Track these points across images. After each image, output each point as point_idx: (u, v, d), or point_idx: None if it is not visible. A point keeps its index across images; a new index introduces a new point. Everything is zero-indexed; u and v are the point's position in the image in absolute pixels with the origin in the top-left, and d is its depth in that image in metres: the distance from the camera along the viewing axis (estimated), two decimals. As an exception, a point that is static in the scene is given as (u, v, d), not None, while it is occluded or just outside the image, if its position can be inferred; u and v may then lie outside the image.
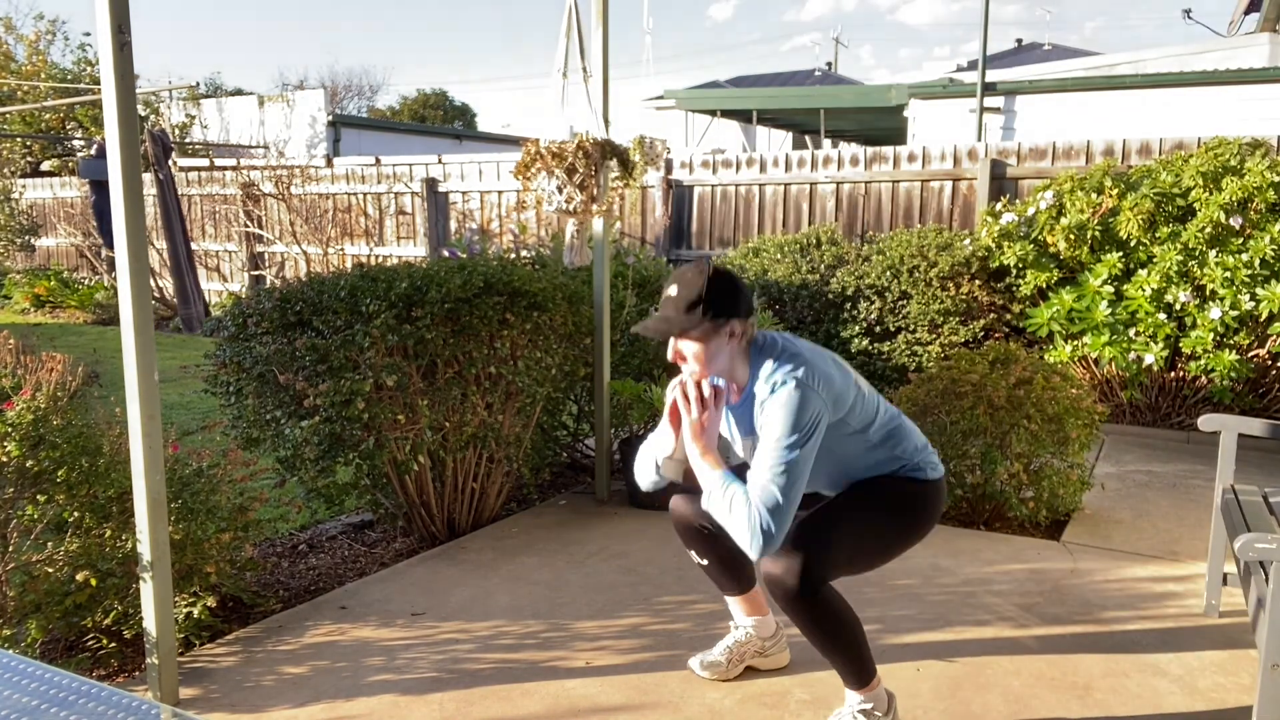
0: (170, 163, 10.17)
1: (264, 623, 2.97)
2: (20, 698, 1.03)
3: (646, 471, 2.39)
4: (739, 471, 2.18)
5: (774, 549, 2.05)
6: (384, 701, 2.48)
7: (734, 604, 2.64)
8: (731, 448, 2.39)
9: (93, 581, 2.58)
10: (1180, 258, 5.28)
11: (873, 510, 2.28)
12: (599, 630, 2.91)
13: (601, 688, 2.56)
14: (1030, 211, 5.92)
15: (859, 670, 2.25)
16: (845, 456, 2.27)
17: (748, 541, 2.03)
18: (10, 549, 2.63)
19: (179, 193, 10.87)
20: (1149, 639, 2.86)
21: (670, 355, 2.21)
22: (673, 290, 2.18)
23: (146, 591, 2.38)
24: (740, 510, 2.05)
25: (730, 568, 2.52)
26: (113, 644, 2.72)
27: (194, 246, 11.92)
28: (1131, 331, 5.48)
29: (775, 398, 2.09)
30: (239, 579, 3.06)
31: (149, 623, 2.40)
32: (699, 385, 2.19)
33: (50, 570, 2.62)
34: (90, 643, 2.76)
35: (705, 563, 2.52)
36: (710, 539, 2.47)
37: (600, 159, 3.68)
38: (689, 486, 2.28)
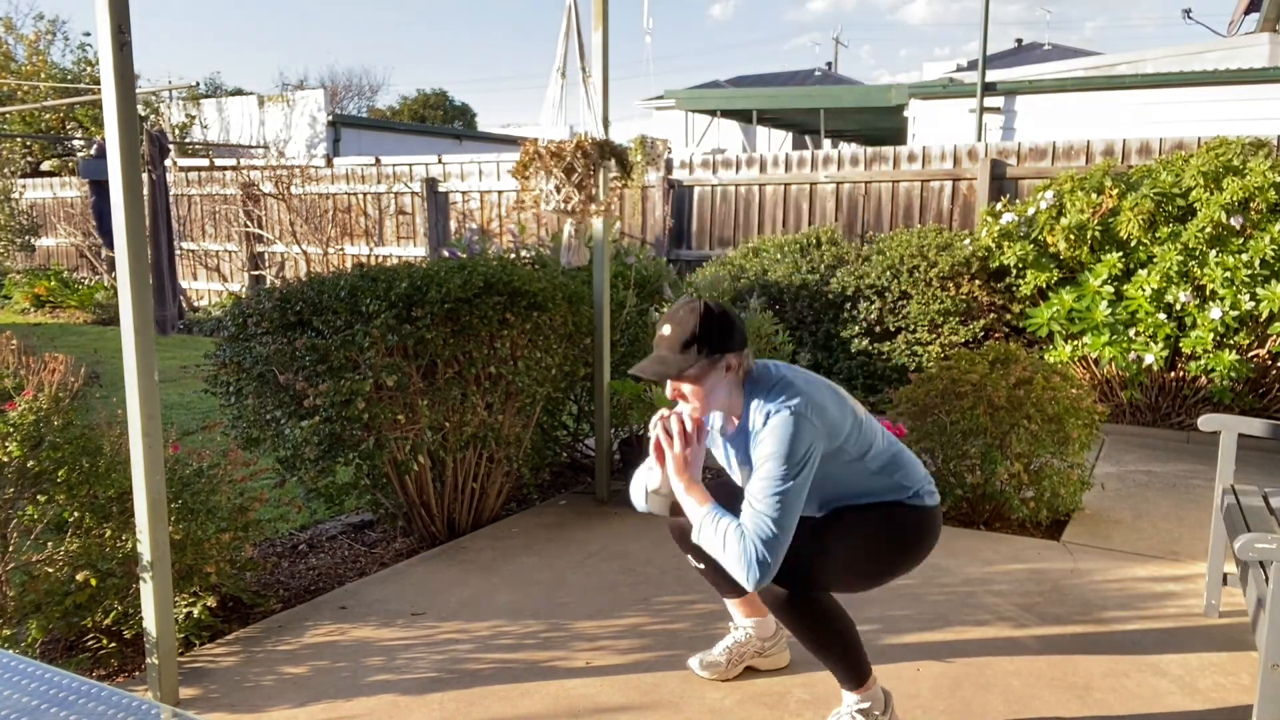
0: (169, 163, 10.16)
1: (264, 623, 2.97)
2: (20, 698, 1.03)
3: (639, 498, 2.40)
4: (735, 499, 2.16)
5: (769, 579, 2.03)
6: (384, 701, 2.48)
7: (733, 606, 2.64)
8: (729, 474, 2.39)
9: (93, 581, 2.58)
10: (1180, 258, 5.28)
11: (866, 532, 2.27)
12: (599, 630, 2.91)
13: (601, 688, 2.56)
14: (1030, 211, 5.92)
15: (854, 671, 2.26)
16: (842, 482, 2.26)
17: (743, 574, 2.02)
18: (10, 549, 2.63)
19: (172, 194, 10.85)
20: (1149, 639, 2.86)
21: (669, 393, 2.21)
22: (666, 330, 2.17)
23: (146, 591, 2.38)
24: (734, 544, 2.03)
25: (727, 572, 2.52)
26: (113, 644, 2.72)
27: (194, 247, 11.94)
28: (1131, 331, 5.48)
29: (769, 428, 2.09)
30: (239, 579, 3.06)
31: (149, 623, 2.40)
32: (680, 419, 2.18)
33: (50, 570, 2.62)
34: (90, 643, 2.76)
35: (702, 566, 2.52)
36: None
37: (599, 159, 3.68)
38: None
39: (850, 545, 2.26)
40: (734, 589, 2.59)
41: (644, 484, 2.34)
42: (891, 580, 2.39)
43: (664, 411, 2.22)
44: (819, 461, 2.12)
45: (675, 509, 2.27)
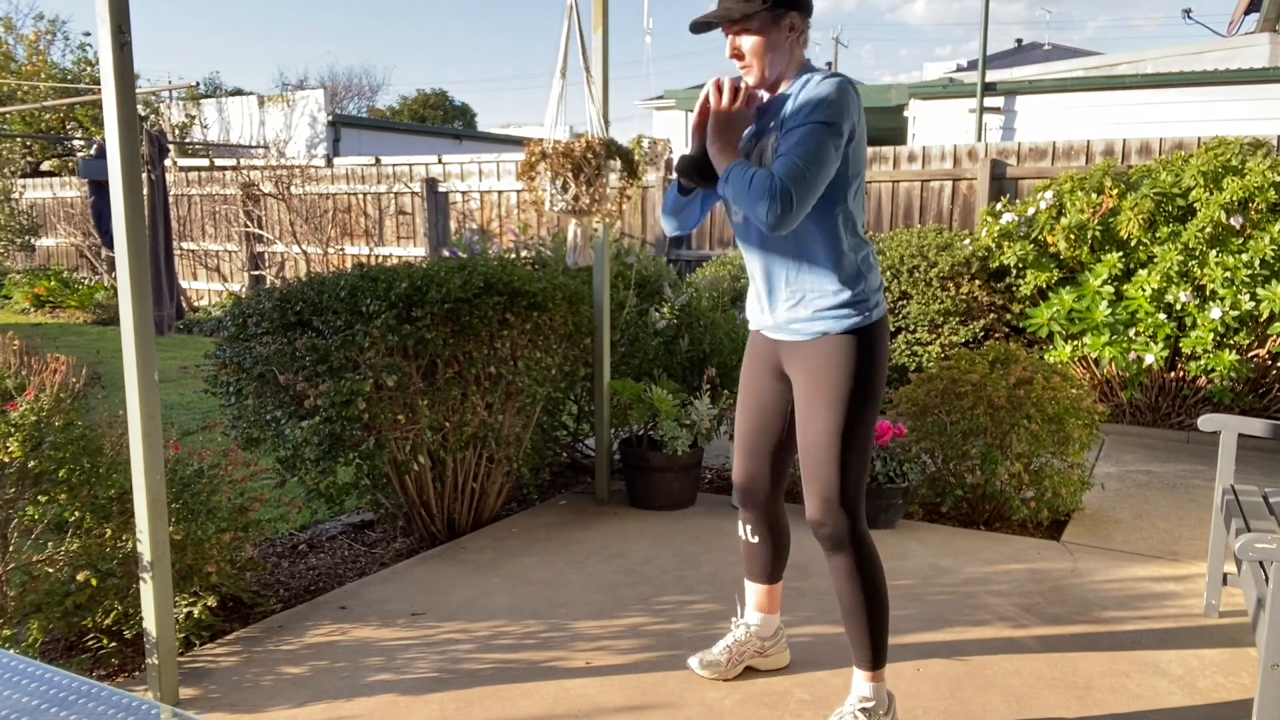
0: (168, 163, 10.16)
1: (264, 623, 2.97)
2: (20, 698, 1.03)
3: (668, 199, 2.39)
4: None
5: (790, 220, 2.02)
6: (384, 701, 2.49)
7: (752, 592, 2.63)
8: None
9: (93, 581, 2.58)
10: (1180, 258, 5.28)
11: (846, 404, 2.19)
12: (599, 630, 2.91)
13: (601, 688, 2.56)
14: (1030, 211, 5.92)
15: (875, 650, 2.26)
16: (820, 239, 2.19)
17: (765, 207, 2.01)
18: (11, 549, 2.63)
19: (172, 194, 10.85)
20: (1149, 639, 2.86)
21: (728, 52, 2.22)
22: None
23: (146, 591, 2.39)
24: (761, 180, 2.03)
25: (773, 553, 2.55)
26: (113, 644, 2.72)
27: (194, 247, 11.94)
28: (1131, 331, 5.48)
29: (819, 85, 2.10)
30: (239, 579, 3.06)
31: (149, 623, 2.41)
32: (734, 82, 2.20)
33: (50, 570, 2.62)
34: (90, 643, 2.76)
35: (756, 540, 2.53)
36: (771, 512, 2.50)
37: (604, 159, 3.67)
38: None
39: (845, 427, 2.20)
40: (768, 574, 2.58)
41: (674, 189, 2.37)
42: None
43: (719, 79, 2.24)
44: (836, 173, 2.10)
45: (704, 170, 2.24)
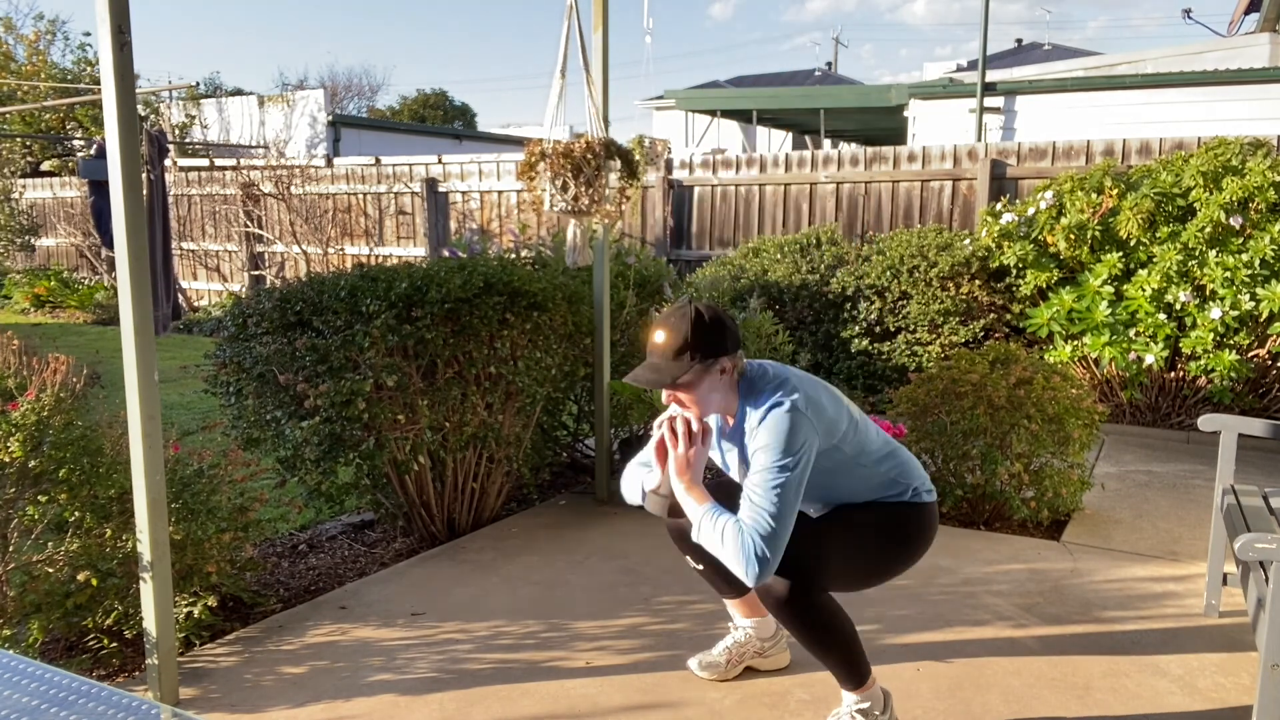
0: (168, 162, 10.15)
1: (264, 623, 2.97)
2: (20, 698, 1.03)
3: (633, 493, 2.39)
4: (733, 498, 2.16)
5: (769, 575, 2.04)
6: (384, 701, 2.49)
7: (732, 606, 2.64)
8: (725, 474, 2.41)
9: (93, 582, 2.58)
10: (1180, 258, 5.28)
11: (864, 530, 2.29)
12: (599, 630, 2.91)
13: (601, 688, 2.56)
14: (1030, 211, 5.92)
15: (853, 672, 2.26)
16: (840, 482, 2.28)
17: (742, 569, 2.02)
18: (11, 549, 2.63)
19: (172, 194, 10.83)
20: (1149, 639, 2.86)
21: (665, 399, 2.22)
22: (659, 337, 2.17)
23: (146, 591, 2.39)
24: (733, 540, 2.04)
25: (727, 572, 2.53)
26: (113, 644, 2.72)
27: (194, 247, 11.94)
28: (1131, 331, 5.48)
29: (766, 423, 2.10)
30: (239, 579, 3.06)
31: (149, 623, 2.41)
32: (685, 420, 2.18)
33: (51, 570, 2.62)
34: (91, 643, 2.76)
35: (701, 567, 2.53)
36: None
37: (604, 159, 3.68)
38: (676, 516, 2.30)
39: (850, 543, 2.27)
40: (733, 589, 2.59)
41: (639, 481, 2.34)
42: (890, 579, 2.40)
43: (670, 412, 2.23)
44: (816, 458, 2.13)
45: (673, 509, 2.27)
